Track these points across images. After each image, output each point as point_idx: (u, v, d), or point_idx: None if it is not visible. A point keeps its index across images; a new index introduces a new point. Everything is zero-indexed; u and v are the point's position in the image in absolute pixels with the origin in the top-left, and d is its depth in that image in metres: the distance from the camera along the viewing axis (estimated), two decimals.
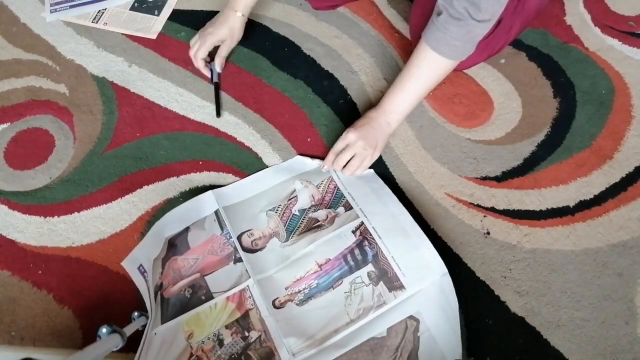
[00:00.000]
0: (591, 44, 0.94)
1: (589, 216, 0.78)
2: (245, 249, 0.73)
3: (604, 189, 0.80)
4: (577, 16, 0.98)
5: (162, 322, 0.68)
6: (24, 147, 0.88)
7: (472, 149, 0.85)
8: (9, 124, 0.90)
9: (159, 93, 0.92)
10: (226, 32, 0.89)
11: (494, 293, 0.72)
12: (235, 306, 0.69)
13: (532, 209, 0.79)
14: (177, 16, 1.02)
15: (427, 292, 0.67)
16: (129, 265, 0.74)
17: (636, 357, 0.67)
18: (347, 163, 0.78)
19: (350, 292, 0.69)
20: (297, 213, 0.77)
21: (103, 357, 0.55)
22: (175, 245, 0.75)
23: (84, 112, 0.91)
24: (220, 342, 0.67)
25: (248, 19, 1.01)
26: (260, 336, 0.67)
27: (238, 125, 0.89)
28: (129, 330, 0.60)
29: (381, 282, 0.69)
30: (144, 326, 0.66)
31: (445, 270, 0.68)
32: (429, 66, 0.76)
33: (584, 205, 0.79)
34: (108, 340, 0.56)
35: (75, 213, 0.80)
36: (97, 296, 0.74)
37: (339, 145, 0.79)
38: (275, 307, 0.69)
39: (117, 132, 0.88)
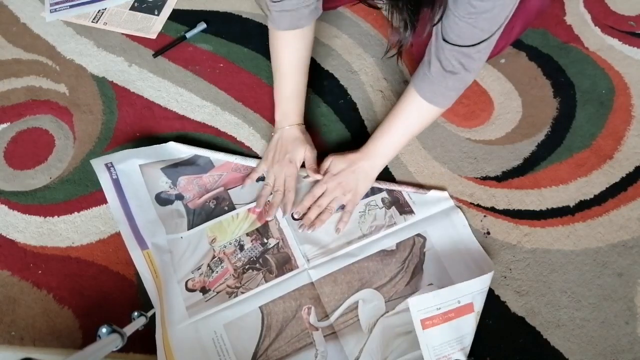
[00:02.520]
0: (591, 43, 0.94)
1: (589, 216, 0.78)
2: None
3: (604, 188, 0.80)
4: (577, 16, 0.98)
5: (188, 229, 0.76)
6: (24, 147, 0.88)
7: (472, 148, 0.84)
8: (9, 123, 0.90)
9: (159, 93, 0.92)
10: (303, 148, 0.79)
11: (494, 293, 0.72)
12: (255, 217, 0.78)
13: (532, 208, 0.79)
14: (177, 16, 1.02)
15: (434, 217, 0.77)
16: (98, 162, 0.78)
17: (636, 357, 0.68)
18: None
19: (364, 212, 0.78)
20: None
21: (103, 357, 0.55)
22: (198, 164, 0.82)
23: (84, 112, 0.91)
24: (241, 247, 0.76)
25: (247, 18, 1.01)
26: (278, 243, 0.76)
27: (238, 125, 0.88)
28: (129, 330, 0.60)
29: (393, 207, 0.78)
30: (144, 326, 0.66)
31: (453, 204, 0.78)
32: (421, 115, 0.74)
33: (584, 205, 0.79)
34: (108, 340, 0.56)
35: (75, 213, 0.80)
36: (97, 296, 0.74)
37: (317, 190, 0.77)
38: (293, 218, 0.78)
39: (117, 132, 0.88)
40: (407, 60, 0.95)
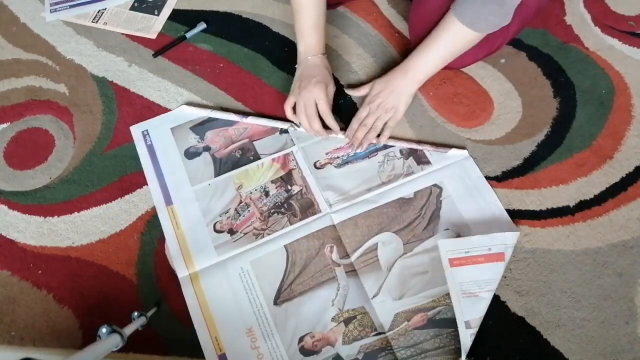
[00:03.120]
0: (591, 43, 0.94)
1: (589, 216, 0.78)
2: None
3: (604, 188, 0.80)
4: (577, 16, 0.98)
5: (215, 176, 0.82)
6: (24, 147, 0.88)
7: (472, 148, 0.84)
8: (8, 123, 0.90)
9: (159, 93, 0.92)
10: (328, 74, 0.83)
11: (494, 293, 0.72)
12: (280, 166, 0.83)
13: (532, 208, 0.79)
14: (177, 16, 1.02)
15: (450, 168, 0.82)
16: (136, 130, 0.87)
17: (636, 357, 0.68)
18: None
19: (383, 162, 0.83)
20: None
21: (103, 357, 0.55)
22: (223, 119, 0.88)
23: (84, 112, 0.91)
24: (266, 193, 0.81)
25: (247, 18, 1.01)
26: (301, 190, 0.81)
27: None
28: (129, 330, 0.60)
29: (411, 157, 0.83)
30: (144, 326, 0.66)
31: (467, 154, 0.83)
32: (460, 38, 0.76)
33: (584, 205, 0.79)
34: (108, 340, 0.56)
35: (75, 213, 0.80)
36: (97, 296, 0.74)
37: (362, 112, 0.82)
38: (315, 167, 0.83)
39: (117, 132, 0.88)
40: None
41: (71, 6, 1.04)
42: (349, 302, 0.72)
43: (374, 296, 0.72)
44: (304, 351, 0.69)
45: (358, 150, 0.83)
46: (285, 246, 0.76)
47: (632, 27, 0.96)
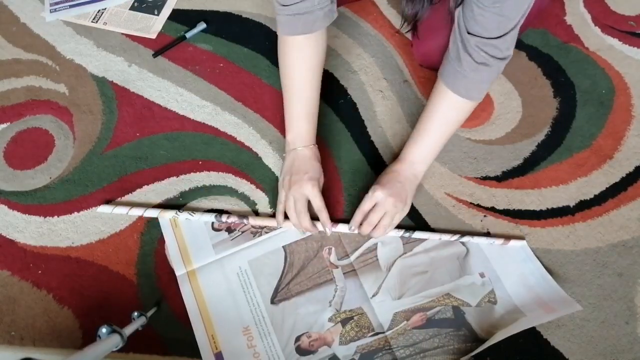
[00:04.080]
0: (591, 43, 0.94)
1: (589, 216, 0.78)
2: None
3: (604, 188, 0.80)
4: (577, 16, 0.98)
5: None
6: (24, 147, 0.88)
7: (472, 148, 0.84)
8: (8, 123, 0.90)
9: (159, 93, 0.92)
10: (319, 168, 0.75)
11: None
12: None
13: (532, 208, 0.79)
14: (177, 16, 1.02)
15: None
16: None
17: (636, 357, 0.68)
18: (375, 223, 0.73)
19: None
20: None
21: (103, 357, 0.55)
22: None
23: (84, 112, 0.90)
24: None
25: (247, 18, 1.01)
26: None
27: (238, 125, 0.88)
28: (129, 330, 0.60)
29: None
30: (144, 326, 0.66)
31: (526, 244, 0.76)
32: (457, 112, 0.73)
33: (584, 205, 0.79)
34: (108, 340, 0.56)
35: (75, 213, 0.80)
36: (97, 296, 0.74)
37: (366, 204, 0.72)
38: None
39: (117, 132, 0.88)
40: (407, 60, 0.95)
41: (71, 6, 1.04)
42: (347, 303, 0.72)
43: (373, 295, 0.72)
44: (301, 351, 0.69)
45: (366, 231, 0.73)
46: (283, 247, 0.76)
47: (632, 27, 0.96)
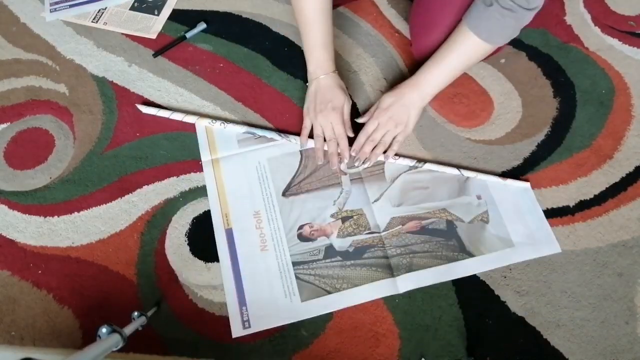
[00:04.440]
0: (591, 43, 0.94)
1: (589, 216, 0.78)
2: None
3: (604, 188, 0.80)
4: (577, 16, 0.98)
5: None
6: (24, 147, 0.88)
7: (472, 148, 0.84)
8: (8, 123, 0.90)
9: (159, 93, 0.92)
10: (343, 94, 0.81)
11: (494, 293, 0.72)
12: None
13: None
14: (177, 16, 1.02)
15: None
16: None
17: (636, 357, 0.68)
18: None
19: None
20: None
21: (103, 357, 0.55)
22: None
23: (84, 112, 0.90)
24: None
25: (247, 18, 1.01)
26: None
27: None
28: (129, 330, 0.60)
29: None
30: (144, 326, 0.66)
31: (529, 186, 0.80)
32: (475, 51, 0.75)
33: (584, 205, 0.79)
34: (108, 340, 0.56)
35: (75, 213, 0.80)
36: (97, 296, 0.74)
37: (370, 126, 0.80)
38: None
39: (117, 132, 0.88)
40: (407, 60, 0.95)
41: (71, 6, 1.04)
42: (349, 204, 0.80)
43: (374, 201, 0.79)
44: (302, 237, 0.78)
45: (365, 165, 0.81)
46: (300, 151, 0.84)
47: (632, 27, 0.96)
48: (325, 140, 0.81)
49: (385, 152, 0.81)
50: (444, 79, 0.78)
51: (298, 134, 0.84)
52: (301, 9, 0.78)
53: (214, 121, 0.86)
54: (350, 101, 0.83)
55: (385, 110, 0.79)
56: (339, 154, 0.81)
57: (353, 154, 0.81)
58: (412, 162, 0.81)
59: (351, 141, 0.82)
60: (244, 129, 0.85)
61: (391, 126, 0.79)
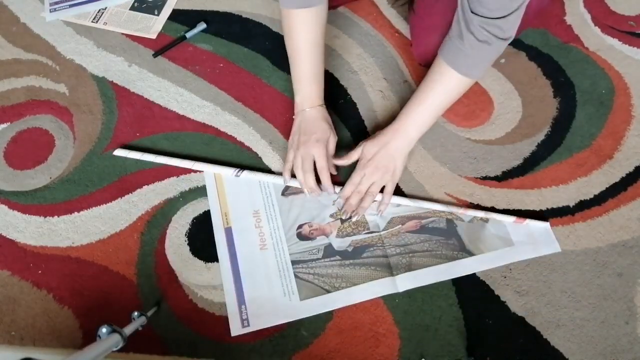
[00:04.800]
0: (591, 43, 0.94)
1: (589, 216, 0.78)
2: None
3: (604, 188, 0.80)
4: (577, 16, 0.98)
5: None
6: (24, 147, 0.88)
7: (472, 148, 0.84)
8: (8, 123, 0.90)
9: (159, 93, 0.92)
10: (329, 128, 0.78)
11: (494, 293, 0.72)
12: None
13: (532, 208, 0.79)
14: (177, 16, 1.02)
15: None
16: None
17: (636, 357, 0.68)
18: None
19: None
20: None
21: (103, 357, 0.55)
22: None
23: (84, 112, 0.91)
24: None
25: (247, 18, 1.01)
26: None
27: (238, 125, 0.88)
28: (129, 330, 0.60)
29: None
30: (144, 326, 0.66)
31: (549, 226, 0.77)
32: (454, 88, 0.73)
33: (584, 205, 0.79)
34: (108, 340, 0.56)
35: (75, 213, 0.80)
36: (97, 296, 0.74)
37: (355, 177, 0.76)
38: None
39: (117, 132, 0.88)
40: (407, 60, 0.95)
41: (71, 6, 1.04)
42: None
43: (374, 201, 0.78)
44: (301, 236, 0.78)
45: (354, 219, 0.78)
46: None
47: (632, 27, 0.96)
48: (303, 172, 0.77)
49: (372, 201, 0.77)
50: (427, 119, 0.75)
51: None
52: (292, 40, 0.76)
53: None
54: (336, 137, 0.79)
55: (371, 160, 0.76)
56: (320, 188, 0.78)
57: (338, 206, 0.78)
58: (408, 202, 0.79)
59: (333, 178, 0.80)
60: (232, 171, 0.81)
61: (378, 177, 0.75)
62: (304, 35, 0.75)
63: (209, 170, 0.82)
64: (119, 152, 0.84)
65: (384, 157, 0.76)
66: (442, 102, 0.74)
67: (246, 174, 0.81)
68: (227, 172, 0.82)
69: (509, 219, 0.76)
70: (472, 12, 0.65)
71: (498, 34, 0.65)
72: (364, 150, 0.77)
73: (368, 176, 0.76)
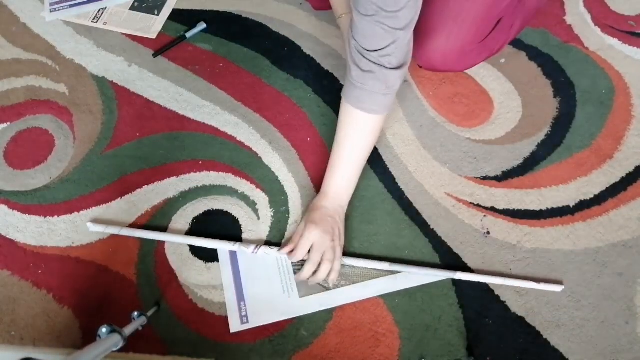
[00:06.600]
0: (591, 43, 0.94)
1: (589, 216, 0.78)
2: None
3: (604, 188, 0.80)
4: (577, 16, 0.98)
5: None
6: (24, 147, 0.88)
7: (472, 148, 0.84)
8: (8, 123, 0.90)
9: (159, 93, 0.92)
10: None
11: (494, 293, 0.72)
12: None
13: (532, 208, 0.79)
14: (177, 16, 1.02)
15: None
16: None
17: (636, 357, 0.68)
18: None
19: None
20: None
21: (103, 357, 0.55)
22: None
23: (84, 111, 0.91)
24: None
25: (247, 18, 1.01)
26: None
27: (238, 125, 0.88)
28: (129, 330, 0.60)
29: None
30: (144, 326, 0.66)
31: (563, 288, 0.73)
32: (360, 128, 0.70)
33: (584, 205, 0.79)
34: (108, 340, 0.56)
35: (75, 213, 0.80)
36: (97, 296, 0.74)
37: (304, 249, 0.71)
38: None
39: (117, 132, 0.88)
40: None
41: (71, 6, 1.04)
42: None
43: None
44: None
45: (307, 275, 0.71)
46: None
47: (632, 27, 0.96)
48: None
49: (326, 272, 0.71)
50: (350, 180, 0.73)
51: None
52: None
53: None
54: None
55: (316, 226, 0.70)
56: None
57: (296, 278, 0.73)
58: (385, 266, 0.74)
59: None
60: (230, 245, 0.76)
61: (328, 241, 0.70)
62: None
63: (223, 248, 0.77)
64: (93, 228, 0.78)
65: (326, 220, 0.71)
66: (361, 146, 0.72)
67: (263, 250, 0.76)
68: (243, 248, 0.76)
69: (525, 284, 0.72)
70: (354, 38, 0.62)
71: (382, 63, 0.63)
72: (304, 219, 0.74)
73: (318, 244, 0.70)
